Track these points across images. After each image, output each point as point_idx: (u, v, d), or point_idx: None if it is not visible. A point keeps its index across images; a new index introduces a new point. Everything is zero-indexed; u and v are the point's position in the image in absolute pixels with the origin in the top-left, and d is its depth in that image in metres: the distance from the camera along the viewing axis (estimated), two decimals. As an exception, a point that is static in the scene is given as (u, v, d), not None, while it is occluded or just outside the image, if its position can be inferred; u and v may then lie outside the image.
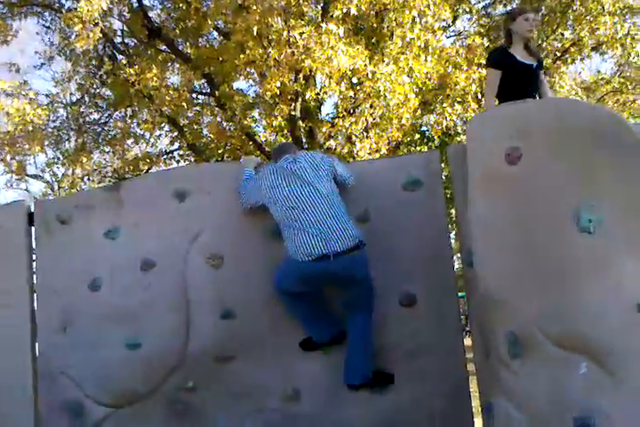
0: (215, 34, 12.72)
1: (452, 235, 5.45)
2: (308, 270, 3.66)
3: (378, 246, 3.84)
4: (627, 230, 3.02)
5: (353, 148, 9.99)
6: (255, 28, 9.31)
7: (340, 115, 10.71)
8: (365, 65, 9.32)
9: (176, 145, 14.04)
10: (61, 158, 13.71)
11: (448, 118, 10.57)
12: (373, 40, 10.71)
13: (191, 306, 4.01)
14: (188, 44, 12.83)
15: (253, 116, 12.41)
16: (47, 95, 13.60)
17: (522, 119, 3.22)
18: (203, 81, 12.61)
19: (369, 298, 3.79)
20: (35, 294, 4.34)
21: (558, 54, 12.52)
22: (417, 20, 9.65)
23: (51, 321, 4.24)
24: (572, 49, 12.34)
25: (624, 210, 3.03)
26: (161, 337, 4.00)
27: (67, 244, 4.29)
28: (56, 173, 18.30)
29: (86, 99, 13.57)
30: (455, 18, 13.08)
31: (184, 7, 11.87)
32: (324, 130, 10.98)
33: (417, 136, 12.42)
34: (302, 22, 9.54)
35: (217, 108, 12.22)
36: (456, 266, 4.41)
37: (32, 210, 4.44)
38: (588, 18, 11.55)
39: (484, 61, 10.39)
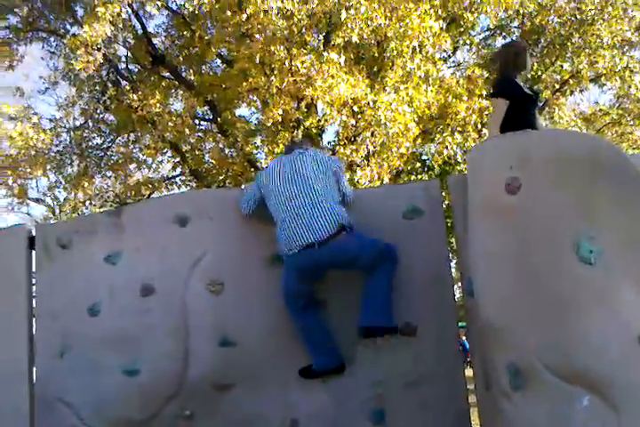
0: (218, 61, 12.91)
1: (453, 264, 5.45)
2: (298, 262, 3.70)
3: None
4: (626, 262, 3.02)
5: (354, 175, 10.04)
6: (258, 57, 9.45)
7: (342, 143, 10.80)
8: (366, 94, 9.44)
9: (178, 171, 14.11)
10: (63, 182, 13.75)
11: (448, 147, 10.67)
12: (374, 69, 10.84)
13: (191, 332, 3.99)
14: (191, 70, 13.00)
15: (255, 143, 12.51)
16: (51, 120, 13.70)
17: (522, 149, 3.25)
18: (205, 107, 12.74)
19: (383, 259, 3.69)
20: (33, 319, 4.32)
21: (557, 86, 12.67)
22: (417, 50, 9.79)
23: (49, 346, 4.21)
24: (571, 81, 12.50)
25: (623, 241, 3.03)
26: (159, 364, 3.97)
27: (67, 268, 4.29)
28: (58, 197, 18.32)
29: (89, 124, 13.67)
30: (455, 49, 13.27)
31: (188, 35, 12.06)
32: (325, 157, 11.01)
33: (418, 165, 12.50)
34: (304, 51, 9.68)
35: (219, 135, 12.34)
36: (457, 295, 4.41)
37: (33, 234, 4.45)
38: (586, 51, 11.72)
39: (484, 92, 10.52)
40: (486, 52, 13.79)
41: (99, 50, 10.00)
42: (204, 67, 13.04)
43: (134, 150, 13.60)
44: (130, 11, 11.48)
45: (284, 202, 3.76)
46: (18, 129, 11.97)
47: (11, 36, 12.63)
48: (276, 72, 9.65)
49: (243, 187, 4.86)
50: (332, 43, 10.03)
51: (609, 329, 2.92)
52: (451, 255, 4.78)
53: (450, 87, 10.45)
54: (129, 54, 12.93)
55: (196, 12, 10.98)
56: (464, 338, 13.27)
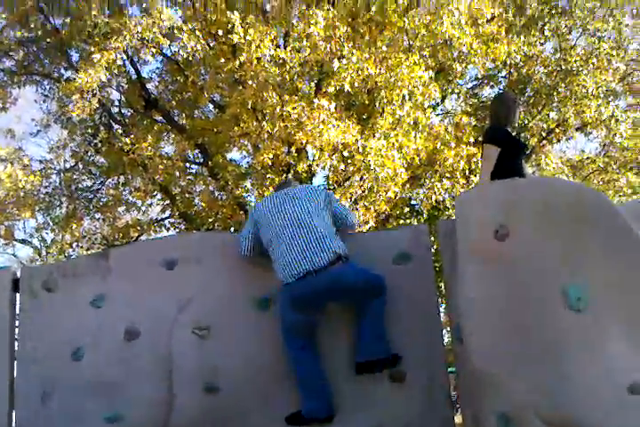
0: (211, 106, 13.05)
1: (442, 308, 5.42)
2: (297, 291, 3.65)
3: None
4: (614, 309, 3.02)
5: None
6: (250, 102, 9.59)
7: (331, 187, 10.86)
8: (356, 140, 9.55)
9: (167, 213, 14.08)
10: (51, 224, 13.69)
11: (437, 193, 10.75)
12: (365, 116, 11.01)
13: (175, 378, 3.91)
14: (183, 115, 13.14)
15: (245, 186, 12.56)
16: (41, 161, 13.74)
17: (509, 197, 3.28)
18: (196, 151, 12.82)
19: (375, 290, 3.75)
20: (15, 363, 4.23)
21: (544, 134, 12.88)
22: (407, 98, 9.96)
23: (30, 391, 4.11)
24: (558, 129, 12.72)
25: (611, 289, 3.04)
26: (143, 410, 3.87)
27: (52, 311, 4.22)
28: (45, 239, 18.21)
29: (80, 166, 13.72)
30: (444, 97, 13.50)
31: (181, 80, 12.25)
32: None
33: (406, 209, 12.56)
34: (296, 98, 9.83)
35: (209, 178, 12.38)
36: (446, 340, 4.37)
37: (18, 276, 4.40)
38: (572, 100, 11.96)
39: (472, 139, 10.68)
40: (474, 100, 14.06)
41: (94, 95, 10.10)
42: (196, 111, 13.19)
43: (124, 193, 13.60)
44: (125, 57, 11.67)
45: (281, 232, 3.74)
46: (7, 171, 11.99)
47: (5, 78, 12.77)
48: (267, 117, 9.78)
49: (232, 230, 4.85)
50: (324, 90, 10.20)
51: (599, 378, 2.90)
52: (440, 300, 4.77)
53: (438, 134, 10.60)
54: (122, 98, 13.07)
55: (190, 59, 11.17)
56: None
